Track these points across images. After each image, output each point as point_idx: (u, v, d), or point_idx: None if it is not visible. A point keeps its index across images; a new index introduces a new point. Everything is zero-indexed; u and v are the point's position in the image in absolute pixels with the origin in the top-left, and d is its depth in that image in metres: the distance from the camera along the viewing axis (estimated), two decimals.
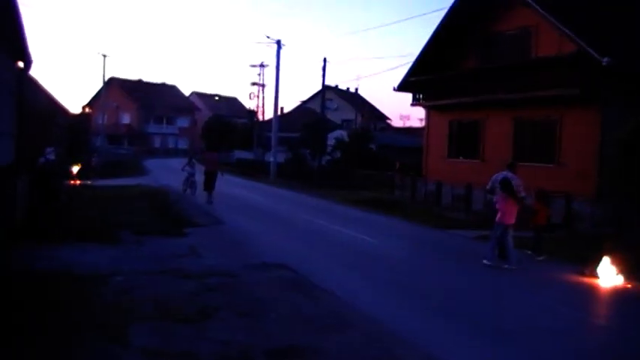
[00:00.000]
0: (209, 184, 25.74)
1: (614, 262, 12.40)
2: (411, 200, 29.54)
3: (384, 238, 17.49)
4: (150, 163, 58.36)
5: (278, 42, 44.94)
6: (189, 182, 28.58)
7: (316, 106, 71.72)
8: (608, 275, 12.36)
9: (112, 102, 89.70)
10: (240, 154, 68.09)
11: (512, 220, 13.78)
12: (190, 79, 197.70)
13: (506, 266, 13.48)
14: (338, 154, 53.00)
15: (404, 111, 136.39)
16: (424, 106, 30.82)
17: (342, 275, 12.23)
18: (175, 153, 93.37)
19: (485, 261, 13.76)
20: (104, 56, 58.26)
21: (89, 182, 34.11)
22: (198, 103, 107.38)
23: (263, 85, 66.76)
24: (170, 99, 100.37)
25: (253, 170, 50.12)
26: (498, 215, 13.88)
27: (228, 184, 36.29)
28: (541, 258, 14.81)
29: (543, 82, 22.19)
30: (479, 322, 9.20)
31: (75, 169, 38.22)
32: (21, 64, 25.46)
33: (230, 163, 63.85)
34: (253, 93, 69.53)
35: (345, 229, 18.53)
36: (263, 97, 68.74)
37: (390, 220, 21.43)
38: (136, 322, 8.14)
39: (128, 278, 10.71)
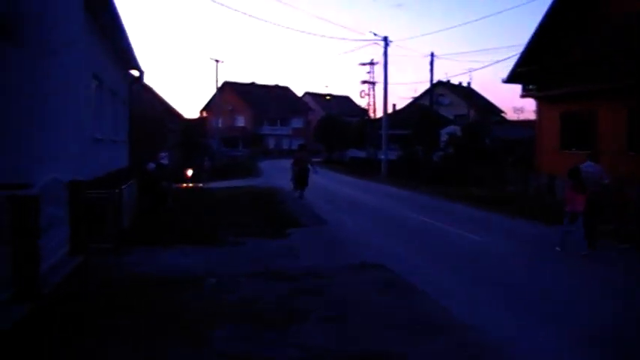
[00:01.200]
0: (300, 181, 26.24)
1: None
2: (523, 195, 28.45)
3: (490, 235, 16.67)
4: (263, 164, 59.10)
5: (385, 39, 44.35)
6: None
7: (429, 102, 70.78)
8: None
9: (227, 106, 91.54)
10: (353, 152, 67.99)
11: (579, 208, 13.93)
12: (303, 80, 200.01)
13: (557, 248, 14.13)
14: (451, 150, 52.01)
15: (517, 103, 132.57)
16: (535, 97, 29.67)
17: (440, 276, 11.67)
18: (289, 153, 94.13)
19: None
20: (217, 61, 59.44)
21: (201, 185, 34.73)
22: (311, 103, 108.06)
23: (373, 83, 66.37)
24: (283, 100, 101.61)
25: (365, 168, 49.78)
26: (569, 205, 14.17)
27: (338, 183, 36.29)
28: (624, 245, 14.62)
29: None
30: (590, 332, 8.53)
31: (189, 172, 39.17)
32: (135, 73, 26.47)
33: (344, 162, 63.86)
34: (364, 91, 69.24)
35: (450, 227, 17.84)
36: (374, 95, 68.38)
37: (498, 216, 20.49)
38: (221, 326, 7.97)
39: (221, 281, 10.60)
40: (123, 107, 25.45)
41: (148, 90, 52.65)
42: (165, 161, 41.93)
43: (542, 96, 28.79)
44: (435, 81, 56.94)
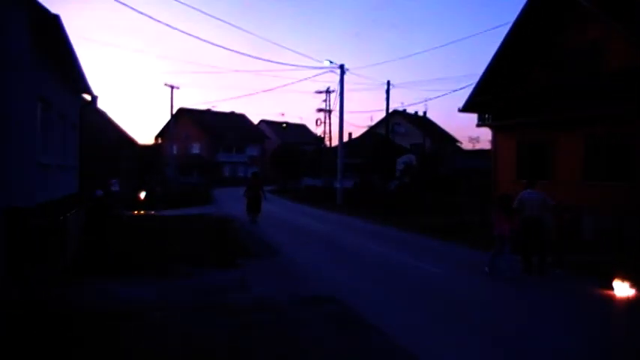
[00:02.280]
0: (254, 207, 27.77)
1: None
2: (480, 225, 28.30)
3: (447, 267, 16.41)
4: (217, 193, 58.29)
5: (341, 66, 44.21)
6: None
7: (384, 131, 70.92)
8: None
9: (182, 132, 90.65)
10: (308, 180, 67.63)
11: (506, 232, 14.81)
12: (259, 107, 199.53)
13: (486, 269, 15.08)
14: (406, 179, 52.04)
15: (473, 133, 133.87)
16: (490, 127, 29.68)
17: (393, 309, 11.25)
18: (245, 182, 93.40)
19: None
20: (172, 87, 58.56)
21: (153, 212, 33.99)
22: (268, 131, 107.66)
23: (329, 111, 66.42)
24: (239, 128, 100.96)
25: (320, 197, 49.38)
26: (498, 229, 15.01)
27: (291, 212, 35.85)
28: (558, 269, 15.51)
29: (615, 97, 21.02)
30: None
31: (142, 195, 38.43)
32: (86, 98, 25.77)
33: (299, 190, 63.44)
34: (320, 119, 69.17)
35: (406, 258, 17.52)
36: (330, 123, 68.51)
37: (455, 247, 20.27)
38: None
39: (166, 314, 10.13)
40: (73, 132, 24.64)
41: (101, 115, 51.88)
42: (115, 188, 41.27)
43: (498, 125, 28.81)
44: (391, 110, 57.02)
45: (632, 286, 12.61)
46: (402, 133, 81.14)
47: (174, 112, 65.61)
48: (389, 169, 53.40)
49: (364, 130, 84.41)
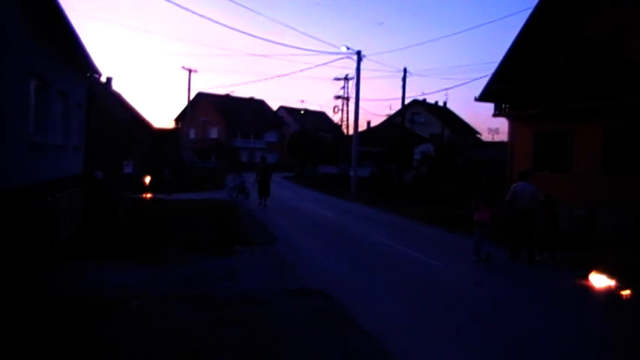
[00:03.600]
0: (263, 190, 28.94)
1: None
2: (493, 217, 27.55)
3: (452, 261, 15.74)
4: (232, 178, 57.65)
5: (358, 52, 43.35)
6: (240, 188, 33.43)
7: (405, 120, 70.11)
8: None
9: (200, 117, 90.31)
10: (325, 168, 67.01)
11: (484, 218, 15.70)
12: (278, 93, 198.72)
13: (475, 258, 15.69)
14: (424, 169, 51.25)
15: (493, 124, 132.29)
16: (507, 117, 28.77)
17: (388, 307, 10.52)
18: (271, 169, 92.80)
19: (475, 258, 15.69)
20: (190, 71, 57.95)
21: (161, 196, 33.54)
22: (287, 117, 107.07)
23: (347, 99, 65.66)
24: (258, 113, 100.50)
25: (335, 185, 48.76)
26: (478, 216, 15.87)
27: (302, 199, 35.29)
28: (540, 258, 16.04)
29: (637, 86, 20.16)
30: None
31: (147, 179, 38.07)
32: (95, 78, 25.29)
33: (315, 177, 62.88)
34: (337, 106, 68.46)
35: (412, 251, 16.79)
36: (347, 111, 67.56)
37: (464, 239, 19.52)
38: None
39: (146, 304, 9.56)
40: (78, 112, 24.18)
41: (116, 97, 51.56)
42: (128, 170, 40.88)
43: (515, 115, 27.92)
44: (410, 99, 56.21)
45: (609, 279, 12.91)
46: (422, 122, 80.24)
47: (193, 96, 65.29)
48: (406, 158, 52.60)
49: (383, 118, 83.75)
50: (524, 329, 9.34)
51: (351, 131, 64.15)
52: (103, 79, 47.86)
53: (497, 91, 27.93)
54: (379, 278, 13.04)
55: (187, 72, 57.88)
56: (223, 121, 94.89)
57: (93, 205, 19.16)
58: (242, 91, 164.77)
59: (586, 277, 13.27)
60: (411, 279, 13.05)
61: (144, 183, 38.02)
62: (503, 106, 28.36)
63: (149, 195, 33.69)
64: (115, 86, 60.72)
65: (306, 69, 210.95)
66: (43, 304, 9.17)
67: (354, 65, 43.72)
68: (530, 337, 8.89)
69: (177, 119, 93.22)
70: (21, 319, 8.32)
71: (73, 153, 23.23)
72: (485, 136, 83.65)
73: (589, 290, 12.66)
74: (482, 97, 29.12)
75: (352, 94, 63.38)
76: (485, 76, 27.81)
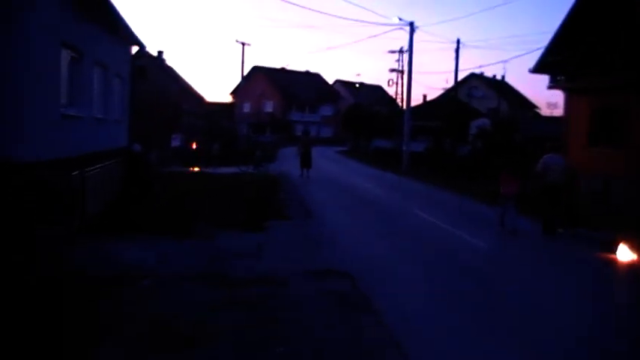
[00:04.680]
0: (305, 162, 29.38)
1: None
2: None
3: (495, 239, 15.02)
4: (284, 151, 57.27)
5: (411, 24, 42.17)
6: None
7: (462, 95, 68.72)
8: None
9: (256, 90, 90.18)
10: (379, 142, 66.09)
11: (513, 191, 15.91)
12: (334, 67, 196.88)
13: (501, 229, 15.90)
14: (480, 144, 50.03)
15: (552, 98, 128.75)
16: (563, 89, 27.52)
17: (419, 297, 9.54)
18: (317, 141, 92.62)
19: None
20: (243, 44, 57.58)
21: (208, 170, 33.35)
22: (342, 91, 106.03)
23: (402, 71, 64.23)
24: (313, 87, 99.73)
25: (388, 159, 47.95)
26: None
27: (351, 173, 34.71)
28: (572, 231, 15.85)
29: None
30: None
31: (194, 146, 38.01)
32: (151, 52, 24.99)
33: (368, 151, 62.15)
34: (392, 80, 67.31)
35: (454, 229, 15.95)
36: (402, 84, 66.31)
37: (522, 220, 18.47)
38: (109, 344, 6.53)
39: (157, 282, 9.16)
40: (121, 85, 23.91)
41: (167, 71, 51.58)
42: (176, 143, 40.88)
43: (571, 87, 26.67)
44: (465, 71, 54.84)
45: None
46: (479, 97, 78.44)
47: (248, 69, 65.05)
48: (462, 133, 51.43)
49: (440, 92, 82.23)
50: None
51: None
52: (154, 53, 48.02)
53: (552, 62, 26.72)
54: (415, 259, 12.33)
55: (241, 45, 57.54)
56: (278, 94, 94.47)
57: (130, 179, 18.96)
58: (297, 64, 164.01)
59: (613, 251, 13.20)
60: (452, 263, 12.28)
61: (192, 156, 37.87)
62: (558, 78, 27.22)
63: (196, 168, 33.52)
64: (168, 60, 60.82)
65: (358, 40, 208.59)
66: (44, 280, 8.83)
67: (408, 37, 42.68)
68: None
69: (233, 93, 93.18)
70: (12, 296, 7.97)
71: (115, 126, 22.97)
72: (544, 111, 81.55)
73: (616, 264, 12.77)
74: (537, 69, 27.93)
75: (407, 67, 62.39)
76: (543, 47, 26.60)
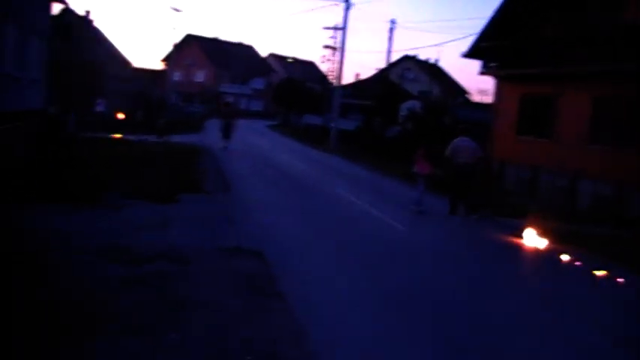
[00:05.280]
0: (226, 133, 29.40)
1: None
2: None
3: (416, 224, 14.65)
4: (212, 122, 56.06)
5: (346, 0, 41.69)
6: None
7: (395, 76, 68.61)
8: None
9: (187, 59, 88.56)
10: (310, 118, 65.57)
11: (425, 171, 16.41)
12: (267, 40, 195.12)
13: (413, 208, 16.16)
14: (409, 126, 50.00)
15: (483, 85, 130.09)
16: (494, 76, 27.42)
17: (330, 280, 8.96)
18: (247, 114, 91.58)
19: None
20: (176, 11, 56.08)
21: (132, 137, 32.22)
22: (275, 65, 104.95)
23: (335, 49, 63.71)
24: (246, 59, 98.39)
25: (317, 135, 47.46)
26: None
27: (278, 148, 34.12)
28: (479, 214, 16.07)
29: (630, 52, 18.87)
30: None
31: (120, 115, 36.82)
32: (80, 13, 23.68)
33: (299, 126, 61.52)
34: (325, 56, 66.81)
35: (372, 209, 15.64)
36: (336, 62, 65.80)
37: (434, 200, 18.25)
38: None
39: (52, 257, 8.26)
40: (38, 43, 22.57)
41: (94, 33, 49.72)
42: (101, 108, 39.46)
43: (502, 75, 26.55)
44: (399, 53, 54.66)
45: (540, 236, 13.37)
46: (411, 79, 78.52)
47: (182, 37, 63.54)
48: (392, 114, 51.28)
49: (374, 72, 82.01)
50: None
51: (341, 82, 62.71)
52: (81, 12, 46.17)
53: (485, 48, 26.57)
54: (330, 236, 11.85)
55: (175, 12, 55.99)
56: (210, 64, 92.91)
57: (44, 143, 17.89)
58: (231, 35, 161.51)
59: (519, 235, 13.68)
60: (367, 240, 11.85)
61: (116, 122, 36.50)
62: (490, 64, 27.04)
63: (118, 135, 32.27)
64: (97, 22, 58.68)
65: (293, 14, 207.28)
66: None
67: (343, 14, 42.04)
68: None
69: (165, 60, 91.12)
70: None
71: (29, 86, 21.68)
72: (475, 97, 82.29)
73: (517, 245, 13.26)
74: (470, 54, 27.79)
75: (340, 44, 61.83)
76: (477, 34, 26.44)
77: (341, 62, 43.62)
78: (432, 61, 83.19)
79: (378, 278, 9.27)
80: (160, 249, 9.11)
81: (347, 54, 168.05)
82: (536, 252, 12.85)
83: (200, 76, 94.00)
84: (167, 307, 6.68)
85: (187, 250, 9.19)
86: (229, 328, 6.33)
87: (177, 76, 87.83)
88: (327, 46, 65.34)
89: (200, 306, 6.84)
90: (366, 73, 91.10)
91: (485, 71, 27.51)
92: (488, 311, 8.22)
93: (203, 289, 7.47)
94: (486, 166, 17.60)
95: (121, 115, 37.28)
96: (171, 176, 17.03)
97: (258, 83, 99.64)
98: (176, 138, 33.20)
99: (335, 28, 61.14)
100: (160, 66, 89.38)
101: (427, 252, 11.89)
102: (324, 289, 8.29)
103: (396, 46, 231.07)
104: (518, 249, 13.06)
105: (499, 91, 27.46)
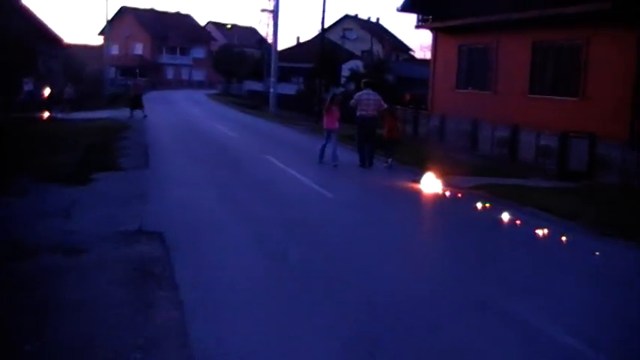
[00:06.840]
0: (133, 105, 31.53)
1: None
2: (413, 137, 25.82)
3: (350, 190, 13.99)
4: (148, 96, 54.42)
5: None
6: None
7: (336, 37, 67.69)
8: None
9: (124, 32, 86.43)
10: (251, 85, 64.49)
11: (333, 126, 16.79)
12: (206, 8, 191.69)
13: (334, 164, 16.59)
14: (352, 87, 49.35)
15: (426, 42, 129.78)
16: (430, 29, 26.75)
17: (239, 262, 7.96)
18: (189, 85, 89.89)
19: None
20: None
21: (60, 115, 30.91)
22: (215, 33, 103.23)
23: (273, 11, 62.52)
24: (184, 29, 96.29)
25: (257, 102, 46.48)
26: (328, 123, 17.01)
27: (212, 118, 33.32)
28: (387, 164, 17.24)
29: None
30: None
31: (46, 92, 35.47)
32: None
33: (240, 95, 60.42)
34: (262, 20, 65.86)
35: (304, 178, 14.69)
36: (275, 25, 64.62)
37: (375, 161, 17.53)
38: None
39: None
40: None
41: (19, 7, 47.58)
42: (29, 87, 37.76)
43: (438, 27, 25.89)
44: (343, 15, 53.75)
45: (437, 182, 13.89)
46: (353, 39, 77.60)
47: (117, 9, 61.61)
48: (334, 75, 50.51)
49: (315, 34, 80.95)
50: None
51: (282, 46, 61.63)
52: None
53: (420, 1, 25.86)
54: (248, 216, 10.73)
55: None
56: (148, 36, 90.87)
57: None
58: (168, 5, 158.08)
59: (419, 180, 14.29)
60: (285, 215, 11.02)
61: (43, 102, 34.93)
62: (425, 17, 26.35)
63: (46, 114, 30.87)
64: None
65: None
66: None
67: None
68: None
69: (102, 34, 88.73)
70: None
71: None
72: (419, 54, 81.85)
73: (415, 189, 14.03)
74: (405, 7, 27.04)
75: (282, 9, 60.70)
76: None
77: (275, 24, 42.75)
78: (373, 19, 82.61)
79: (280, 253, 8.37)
80: (57, 239, 8.23)
81: (286, 17, 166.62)
82: (427, 194, 13.58)
83: (138, 49, 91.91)
84: (40, 312, 5.81)
85: (87, 237, 8.33)
86: (100, 334, 5.42)
87: (114, 50, 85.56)
88: (264, 10, 64.05)
89: (78, 306, 5.97)
90: (308, 36, 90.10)
91: (421, 24, 26.86)
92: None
93: (90, 284, 6.64)
94: (393, 118, 18.15)
95: (47, 93, 35.72)
96: (89, 155, 16.06)
97: (198, 53, 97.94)
98: (106, 114, 32.17)
99: None
100: (98, 41, 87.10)
101: (349, 216, 11.14)
102: (228, 274, 7.43)
103: (338, 7, 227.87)
104: (411, 193, 13.86)
105: (436, 45, 26.82)
